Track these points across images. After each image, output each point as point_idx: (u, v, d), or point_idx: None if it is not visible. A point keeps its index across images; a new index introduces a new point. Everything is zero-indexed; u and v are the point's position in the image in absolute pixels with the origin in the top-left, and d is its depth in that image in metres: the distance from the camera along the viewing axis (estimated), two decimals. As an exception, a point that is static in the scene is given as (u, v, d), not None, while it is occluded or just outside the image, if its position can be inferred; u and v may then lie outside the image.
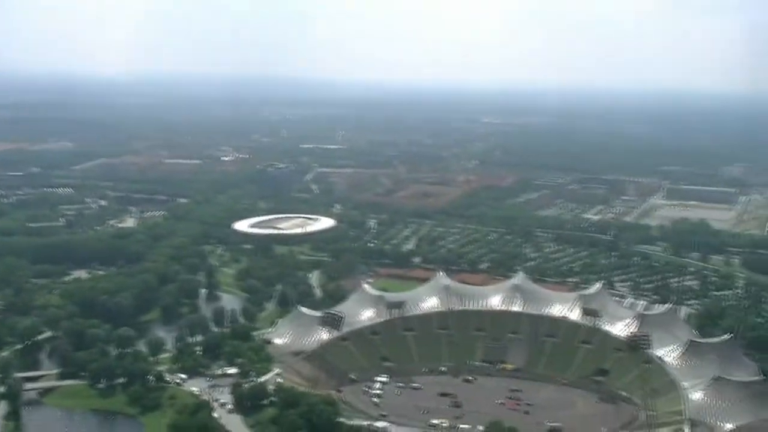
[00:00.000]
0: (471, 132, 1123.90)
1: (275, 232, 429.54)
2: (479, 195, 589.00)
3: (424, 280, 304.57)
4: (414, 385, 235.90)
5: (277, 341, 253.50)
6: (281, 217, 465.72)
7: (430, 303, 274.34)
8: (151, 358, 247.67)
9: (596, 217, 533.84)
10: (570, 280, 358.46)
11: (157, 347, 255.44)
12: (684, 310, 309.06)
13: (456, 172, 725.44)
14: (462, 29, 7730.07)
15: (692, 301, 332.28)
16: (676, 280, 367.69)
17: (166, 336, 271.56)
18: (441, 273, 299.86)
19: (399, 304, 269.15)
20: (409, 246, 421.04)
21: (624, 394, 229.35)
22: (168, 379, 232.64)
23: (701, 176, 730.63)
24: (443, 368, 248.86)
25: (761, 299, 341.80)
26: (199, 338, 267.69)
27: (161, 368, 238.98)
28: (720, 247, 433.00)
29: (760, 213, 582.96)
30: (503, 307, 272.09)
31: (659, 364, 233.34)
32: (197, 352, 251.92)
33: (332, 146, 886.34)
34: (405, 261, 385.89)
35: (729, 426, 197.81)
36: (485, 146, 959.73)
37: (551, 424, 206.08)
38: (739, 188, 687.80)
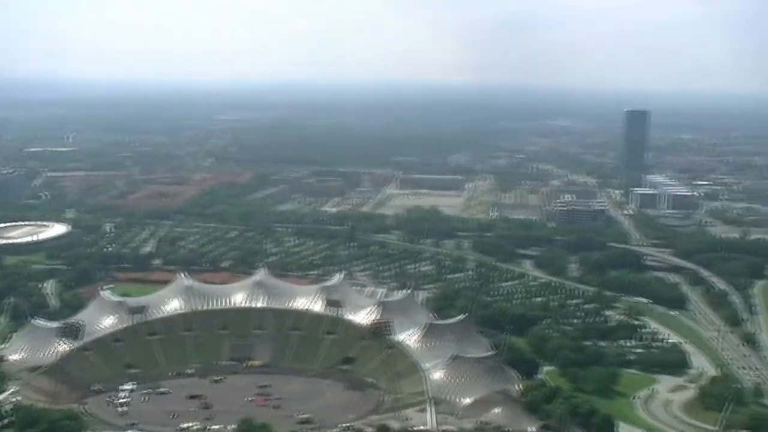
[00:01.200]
0: (205, 129, 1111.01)
1: (3, 241, 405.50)
2: (217, 193, 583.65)
3: (166, 282, 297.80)
4: (161, 390, 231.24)
5: (12, 357, 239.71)
6: (9, 226, 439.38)
7: (173, 305, 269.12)
8: None
9: (334, 210, 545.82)
10: (312, 272, 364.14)
11: None
12: (421, 295, 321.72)
13: (192, 171, 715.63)
14: (202, 25, 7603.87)
15: (429, 286, 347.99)
16: (412, 266, 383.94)
17: None
18: (182, 274, 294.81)
19: (141, 309, 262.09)
20: (148, 248, 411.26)
21: (370, 380, 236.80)
22: None
23: (431, 165, 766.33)
24: (190, 370, 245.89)
25: (490, 279, 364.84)
26: None
27: None
28: (451, 232, 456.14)
29: (485, 198, 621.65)
30: (247, 304, 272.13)
31: (401, 348, 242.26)
32: None
33: (62, 149, 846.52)
34: (145, 264, 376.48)
35: (468, 400, 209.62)
36: (221, 143, 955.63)
37: (301, 416, 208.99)
38: (466, 175, 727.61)
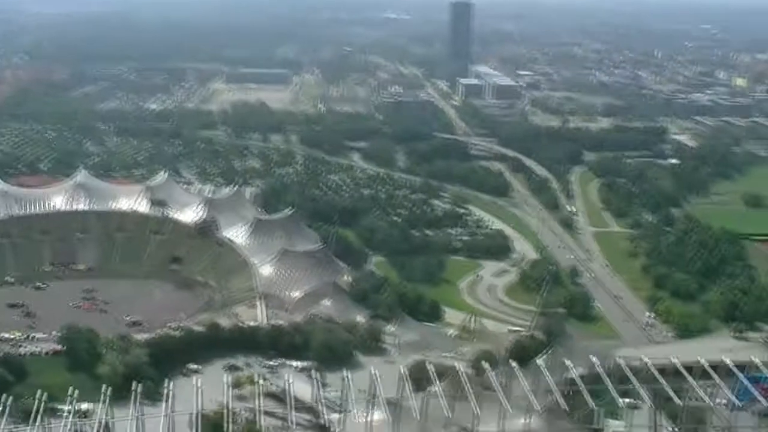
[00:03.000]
0: (16, 23, 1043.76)
1: None
2: (31, 91, 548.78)
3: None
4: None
5: None
6: None
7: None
8: None
9: (158, 107, 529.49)
10: (136, 172, 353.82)
11: None
12: (249, 191, 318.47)
13: (2, 69, 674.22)
14: None
15: (257, 181, 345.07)
16: (239, 162, 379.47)
17: None
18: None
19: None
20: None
21: (199, 278, 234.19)
22: None
23: (257, 59, 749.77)
24: (10, 278, 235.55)
25: (318, 172, 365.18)
26: None
27: None
28: (278, 126, 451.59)
29: (312, 92, 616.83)
30: (68, 207, 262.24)
31: (230, 245, 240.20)
32: None
33: None
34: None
35: (297, 294, 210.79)
36: (34, 39, 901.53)
37: (130, 319, 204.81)
38: (293, 69, 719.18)
